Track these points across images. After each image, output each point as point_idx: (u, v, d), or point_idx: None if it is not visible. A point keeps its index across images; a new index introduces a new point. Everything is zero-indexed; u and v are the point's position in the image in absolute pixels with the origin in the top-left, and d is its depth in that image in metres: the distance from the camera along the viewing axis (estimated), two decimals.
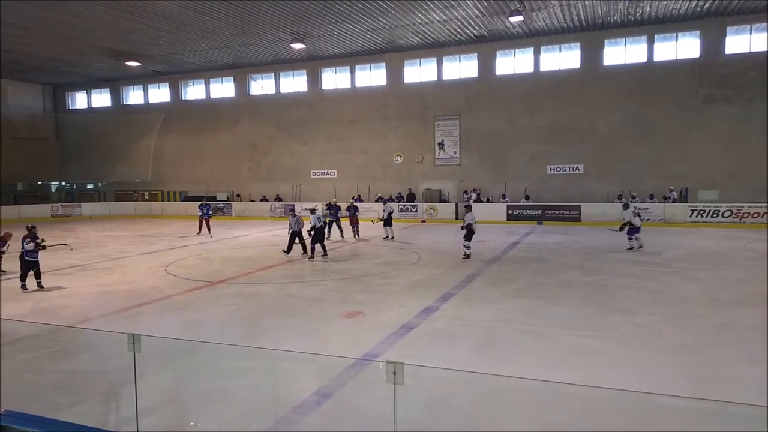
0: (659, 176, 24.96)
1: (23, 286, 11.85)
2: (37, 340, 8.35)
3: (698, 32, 24.30)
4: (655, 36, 24.90)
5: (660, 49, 25.04)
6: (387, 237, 20.00)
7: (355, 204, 21.47)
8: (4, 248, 13.42)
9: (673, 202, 24.23)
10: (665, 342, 7.88)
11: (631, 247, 16.44)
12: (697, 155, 24.47)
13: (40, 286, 11.93)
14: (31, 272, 11.96)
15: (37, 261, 11.98)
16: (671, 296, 10.54)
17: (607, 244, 17.55)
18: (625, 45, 25.60)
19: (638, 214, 16.56)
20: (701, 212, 23.24)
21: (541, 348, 7.68)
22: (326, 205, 21.48)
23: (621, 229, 16.55)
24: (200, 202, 23.99)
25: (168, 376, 6.64)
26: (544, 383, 5.02)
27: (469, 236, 15.20)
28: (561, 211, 25.29)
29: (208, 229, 22.47)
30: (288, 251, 16.26)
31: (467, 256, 15.17)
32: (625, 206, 17.05)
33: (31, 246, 11.79)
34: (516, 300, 10.43)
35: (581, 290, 11.24)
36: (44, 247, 12.09)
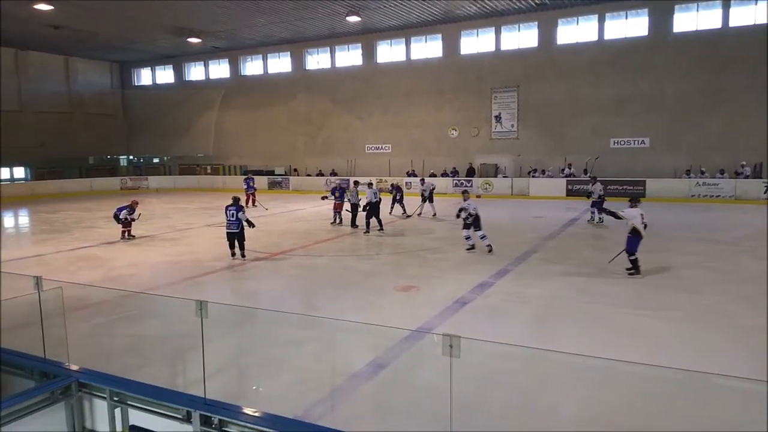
0: (731, 150, 23.54)
1: (233, 254, 12.11)
2: (109, 306, 8.87)
3: None
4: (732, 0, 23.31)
5: (736, 14, 23.34)
6: (420, 213, 19.55)
7: (398, 185, 21.11)
8: (133, 216, 15.01)
9: (745, 177, 22.88)
10: (732, 323, 7.56)
11: (594, 219, 16.96)
12: None
13: (242, 255, 12.13)
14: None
15: (236, 232, 12.11)
16: (740, 276, 10.06)
17: (673, 221, 16.82)
18: (698, 10, 24.02)
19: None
20: None
21: (598, 326, 7.53)
22: (390, 185, 22.41)
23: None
24: (245, 176, 24.90)
25: (230, 341, 6.92)
26: (603, 361, 4.93)
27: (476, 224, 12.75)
28: (624, 187, 24.33)
29: (254, 202, 23.13)
30: (368, 230, 15.91)
31: (492, 247, 12.52)
32: (594, 180, 17.56)
33: (235, 217, 11.96)
34: (573, 277, 10.22)
35: (643, 268, 10.87)
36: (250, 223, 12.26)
